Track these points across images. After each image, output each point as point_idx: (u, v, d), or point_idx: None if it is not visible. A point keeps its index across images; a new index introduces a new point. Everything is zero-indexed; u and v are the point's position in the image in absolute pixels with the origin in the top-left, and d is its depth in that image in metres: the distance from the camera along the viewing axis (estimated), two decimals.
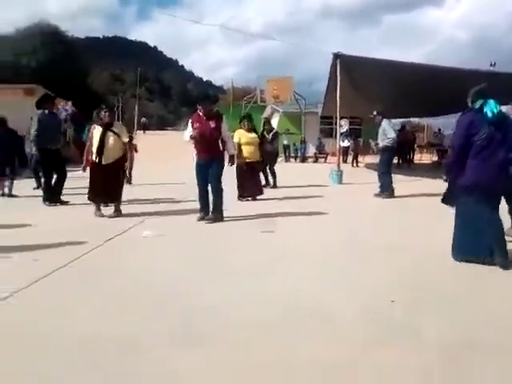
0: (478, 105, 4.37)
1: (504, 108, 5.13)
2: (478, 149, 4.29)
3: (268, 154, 11.28)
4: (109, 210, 7.29)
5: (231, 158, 7.16)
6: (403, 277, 4.13)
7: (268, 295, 3.64)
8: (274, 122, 30.51)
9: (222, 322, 3.13)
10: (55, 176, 8.47)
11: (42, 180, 8.85)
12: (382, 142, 9.52)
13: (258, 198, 9.19)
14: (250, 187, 9.18)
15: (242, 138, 9.18)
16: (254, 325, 3.06)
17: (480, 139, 4.26)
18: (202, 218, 6.77)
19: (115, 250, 5.18)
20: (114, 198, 7.17)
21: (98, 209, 7.16)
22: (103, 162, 6.97)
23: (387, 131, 9.42)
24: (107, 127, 7.06)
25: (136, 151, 13.20)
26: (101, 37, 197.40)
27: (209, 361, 2.59)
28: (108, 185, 7.01)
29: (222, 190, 6.78)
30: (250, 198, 9.10)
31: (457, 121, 4.64)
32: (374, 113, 9.95)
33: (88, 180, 7.18)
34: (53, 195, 8.30)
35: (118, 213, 7.13)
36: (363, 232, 6.12)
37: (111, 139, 7.00)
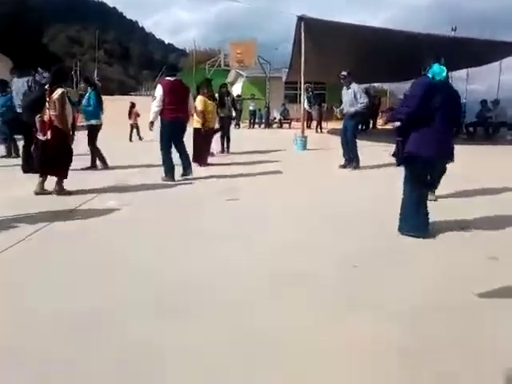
0: (429, 71, 4.20)
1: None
2: (429, 116, 4.16)
3: (224, 119, 11.21)
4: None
5: None
6: (362, 244, 4.21)
7: (237, 267, 3.62)
8: (238, 87, 30.20)
9: (199, 290, 3.11)
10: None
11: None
12: (352, 106, 8.72)
13: (224, 163, 9.28)
14: (205, 153, 9.28)
15: (208, 106, 9.18)
16: (233, 292, 3.07)
17: (434, 106, 4.13)
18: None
19: (82, 220, 4.98)
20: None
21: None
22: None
23: (359, 95, 8.71)
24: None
25: (138, 115, 14.85)
26: None
27: (187, 332, 2.55)
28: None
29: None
30: (209, 163, 9.16)
31: (414, 83, 4.44)
32: (344, 73, 8.89)
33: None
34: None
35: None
36: (326, 199, 6.15)
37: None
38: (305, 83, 14.33)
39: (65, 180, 6.19)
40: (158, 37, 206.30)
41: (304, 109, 15.17)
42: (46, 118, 5.93)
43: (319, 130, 20.50)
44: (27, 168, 7.47)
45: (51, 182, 6.16)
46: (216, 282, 3.22)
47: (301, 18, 12.77)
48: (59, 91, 5.93)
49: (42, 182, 6.11)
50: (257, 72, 29.28)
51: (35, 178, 6.15)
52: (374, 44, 13.30)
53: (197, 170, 8.26)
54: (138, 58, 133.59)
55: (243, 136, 12.57)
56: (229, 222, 4.88)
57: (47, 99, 5.95)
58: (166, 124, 7.16)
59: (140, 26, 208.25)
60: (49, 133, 5.90)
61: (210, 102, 9.25)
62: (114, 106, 18.50)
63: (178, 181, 7.22)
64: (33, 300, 2.91)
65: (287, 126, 24.01)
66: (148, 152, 10.03)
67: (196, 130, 9.11)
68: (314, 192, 6.62)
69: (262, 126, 25.10)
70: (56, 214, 5.06)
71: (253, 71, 29.51)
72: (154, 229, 4.59)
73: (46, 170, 6.07)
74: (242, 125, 23.56)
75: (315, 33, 13.07)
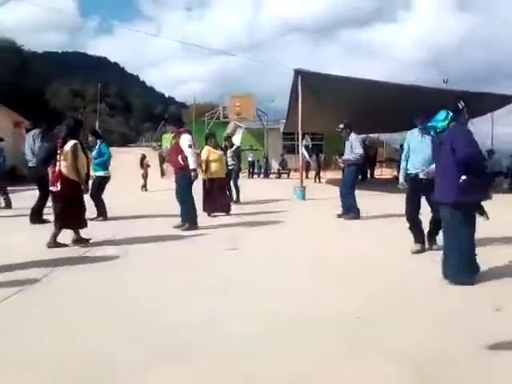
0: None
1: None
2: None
3: (229, 170, 11.38)
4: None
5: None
6: (368, 292, 4.17)
7: (237, 313, 3.58)
8: (237, 138, 30.72)
9: (197, 338, 3.06)
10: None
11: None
12: (349, 156, 8.82)
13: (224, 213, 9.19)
14: (216, 203, 9.13)
15: (210, 155, 9.15)
16: (230, 341, 3.01)
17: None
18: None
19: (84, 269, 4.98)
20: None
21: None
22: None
23: (355, 146, 8.76)
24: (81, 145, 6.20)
25: (149, 166, 16.19)
26: (60, 51, 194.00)
27: (184, 379, 2.55)
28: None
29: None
30: (216, 214, 9.02)
31: (468, 132, 4.45)
32: (341, 126, 9.04)
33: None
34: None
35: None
36: (327, 248, 6.12)
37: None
38: (302, 134, 14.61)
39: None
40: (158, 90, 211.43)
41: (303, 159, 15.37)
42: (56, 169, 5.93)
43: (318, 180, 20.69)
44: (35, 219, 7.73)
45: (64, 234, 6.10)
46: (213, 331, 3.17)
47: (298, 72, 13.19)
48: (71, 143, 5.93)
49: (55, 235, 5.92)
50: (255, 124, 29.94)
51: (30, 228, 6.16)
52: (370, 96, 13.68)
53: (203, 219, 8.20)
54: (139, 111, 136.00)
55: (243, 186, 12.69)
56: (227, 273, 4.84)
57: (59, 151, 5.96)
58: (189, 174, 7.19)
59: (141, 80, 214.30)
60: (58, 184, 5.88)
61: (215, 151, 9.28)
62: (120, 158, 19.05)
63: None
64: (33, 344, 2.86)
65: (286, 176, 24.25)
66: (153, 202, 10.05)
67: (205, 181, 9.12)
68: (311, 241, 6.66)
69: (261, 176, 25.36)
70: (57, 262, 5.04)
71: (251, 123, 30.18)
72: (149, 277, 4.57)
73: (59, 223, 5.93)
74: (241, 175, 23.76)
75: (312, 85, 13.48)
